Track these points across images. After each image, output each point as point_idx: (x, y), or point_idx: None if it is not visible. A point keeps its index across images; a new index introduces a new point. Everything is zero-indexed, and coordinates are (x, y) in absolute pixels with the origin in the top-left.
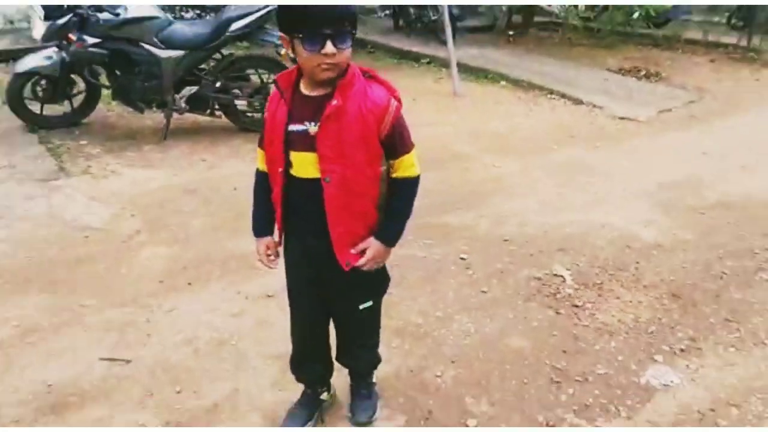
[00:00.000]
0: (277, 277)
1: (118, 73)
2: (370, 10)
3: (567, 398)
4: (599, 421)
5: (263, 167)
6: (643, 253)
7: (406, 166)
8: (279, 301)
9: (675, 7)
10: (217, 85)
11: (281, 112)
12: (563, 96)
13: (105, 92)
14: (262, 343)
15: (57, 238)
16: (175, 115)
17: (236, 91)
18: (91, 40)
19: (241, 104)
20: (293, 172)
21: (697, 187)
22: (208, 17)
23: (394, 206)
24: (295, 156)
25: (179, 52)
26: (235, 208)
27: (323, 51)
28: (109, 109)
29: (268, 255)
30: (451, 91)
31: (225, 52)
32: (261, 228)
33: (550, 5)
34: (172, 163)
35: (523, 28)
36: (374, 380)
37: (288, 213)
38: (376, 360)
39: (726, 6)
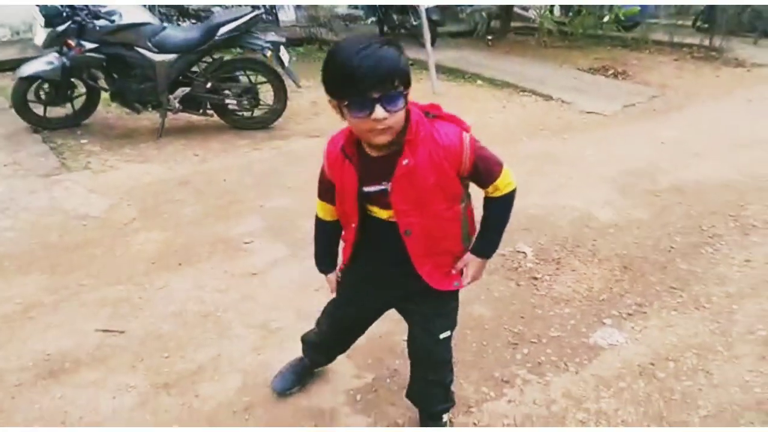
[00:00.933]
0: (261, 256)
1: (115, 76)
2: (356, 17)
3: (522, 357)
4: (549, 376)
5: (325, 216)
6: (599, 231)
7: (502, 187)
8: (262, 278)
9: (643, 8)
10: (208, 86)
11: (350, 176)
12: (534, 93)
13: (104, 95)
14: (244, 314)
15: (57, 226)
16: (169, 114)
17: (226, 91)
18: (89, 46)
19: (231, 104)
20: (372, 212)
21: (654, 173)
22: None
23: (493, 221)
24: (374, 209)
25: (172, 56)
26: (225, 197)
27: (372, 117)
28: (108, 110)
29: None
30: (430, 91)
31: (216, 55)
32: (327, 265)
33: (526, 10)
34: (166, 158)
35: (501, 33)
36: (445, 420)
37: (361, 247)
38: (450, 402)
39: (693, 9)
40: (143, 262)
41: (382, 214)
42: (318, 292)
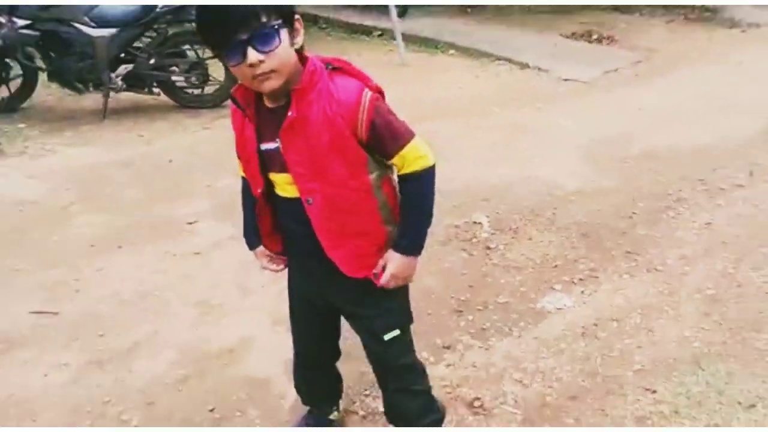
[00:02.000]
0: (205, 236)
1: (52, 54)
2: None
3: (466, 323)
4: (492, 341)
5: (244, 173)
6: (562, 199)
7: (411, 160)
8: (204, 257)
9: None
10: (152, 62)
11: (249, 129)
12: (509, 61)
13: (42, 75)
14: (184, 293)
15: None
16: (113, 94)
17: (173, 67)
18: (21, 23)
19: (178, 80)
20: (278, 191)
21: (627, 140)
22: None
23: (407, 205)
24: (275, 177)
25: (111, 30)
26: (170, 178)
27: (247, 62)
28: (48, 92)
29: (270, 259)
30: (397, 62)
31: (161, 29)
32: (254, 238)
33: None
34: (109, 140)
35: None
36: None
37: (282, 236)
38: (434, 413)
39: None
40: (81, 246)
41: (281, 183)
42: (261, 269)
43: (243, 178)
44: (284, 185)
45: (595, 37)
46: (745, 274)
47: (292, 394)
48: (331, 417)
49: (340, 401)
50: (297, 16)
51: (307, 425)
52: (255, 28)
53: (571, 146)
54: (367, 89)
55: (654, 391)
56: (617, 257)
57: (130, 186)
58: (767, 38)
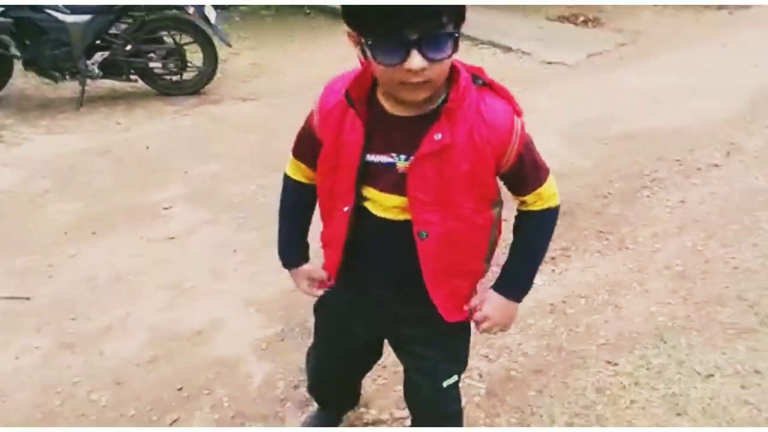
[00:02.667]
0: (180, 221)
1: (27, 42)
2: None
3: None
4: None
5: (298, 176)
6: None
7: (545, 199)
8: (179, 242)
9: None
10: (128, 48)
11: (353, 134)
12: (493, 45)
13: (18, 63)
14: (157, 277)
15: None
16: (90, 82)
17: (150, 54)
18: None
19: (156, 67)
20: (367, 206)
21: (607, 122)
22: None
23: (527, 247)
24: (372, 193)
25: (86, 16)
26: (146, 165)
27: (406, 66)
28: (26, 81)
29: (312, 282)
30: None
31: (137, 15)
32: (295, 255)
33: None
34: (86, 128)
35: None
36: None
37: (350, 257)
38: None
39: None
40: (55, 233)
41: (380, 204)
42: (236, 253)
43: (291, 180)
44: (385, 207)
45: (581, 19)
46: (714, 251)
47: (259, 374)
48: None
49: (356, 405)
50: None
51: (318, 420)
52: (430, 29)
53: (551, 128)
54: (516, 116)
55: (616, 364)
56: (590, 236)
57: (106, 173)
58: (754, 20)
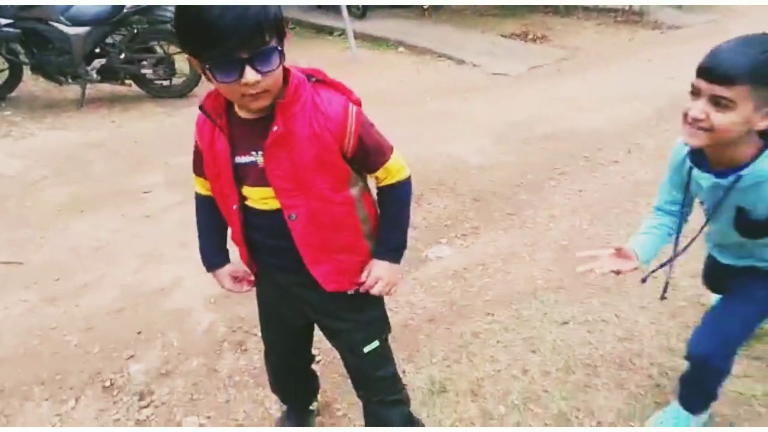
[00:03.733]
0: (157, 203)
1: (34, 50)
2: None
3: None
4: None
5: (203, 191)
6: (465, 172)
7: (393, 173)
8: (154, 219)
9: None
10: (123, 56)
11: (221, 142)
12: (449, 58)
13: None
14: (132, 247)
15: None
16: (90, 85)
17: (143, 62)
18: (4, 21)
19: (148, 73)
20: (250, 204)
21: (535, 124)
22: None
23: (390, 216)
24: (249, 191)
25: (85, 28)
26: (134, 157)
27: (243, 80)
28: (35, 84)
29: (237, 280)
30: (349, 58)
31: (137, 27)
32: (215, 258)
33: None
34: (85, 125)
35: (440, 2)
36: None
37: (253, 250)
38: (413, 425)
39: None
40: (49, 211)
41: (255, 199)
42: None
43: (199, 196)
44: (261, 199)
45: (530, 36)
46: (596, 229)
47: (205, 322)
48: (311, 408)
49: (318, 395)
50: (286, 30)
51: (289, 421)
52: (257, 46)
53: (484, 129)
54: (351, 103)
55: (493, 315)
56: (498, 218)
57: (98, 163)
58: (682, 39)
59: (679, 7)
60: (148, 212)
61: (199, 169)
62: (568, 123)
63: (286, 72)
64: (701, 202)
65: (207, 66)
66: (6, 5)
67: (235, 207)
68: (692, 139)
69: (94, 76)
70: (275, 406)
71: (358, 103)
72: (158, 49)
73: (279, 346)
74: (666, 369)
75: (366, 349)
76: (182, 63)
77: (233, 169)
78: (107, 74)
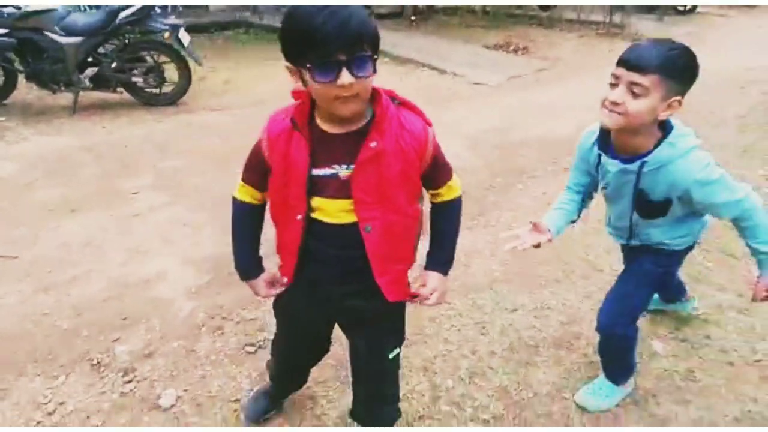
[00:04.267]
0: (144, 203)
1: (29, 59)
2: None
3: None
4: None
5: (245, 198)
6: None
7: (453, 190)
8: (141, 218)
9: None
10: (114, 65)
11: (299, 153)
12: (432, 68)
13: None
14: (119, 243)
15: None
16: (82, 93)
17: (134, 71)
18: (0, 31)
19: (138, 81)
20: (316, 215)
21: (508, 131)
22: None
23: (446, 230)
24: (320, 202)
25: (78, 38)
26: (122, 160)
27: (339, 82)
28: (29, 92)
29: (271, 285)
30: None
31: (128, 38)
32: (252, 268)
33: None
34: (77, 131)
35: (428, 14)
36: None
37: (304, 258)
38: (397, 415)
39: None
40: (41, 210)
41: (327, 211)
42: (185, 226)
43: (241, 203)
44: (332, 211)
45: (512, 47)
46: None
47: (186, 309)
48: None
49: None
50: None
51: (257, 403)
52: (355, 53)
53: (460, 135)
54: (427, 125)
55: (450, 303)
56: (466, 218)
57: (89, 166)
58: None
59: (661, 18)
60: (136, 212)
61: (253, 179)
62: (540, 129)
63: (375, 91)
64: (603, 188)
65: (308, 66)
66: (2, 15)
67: (299, 217)
68: (608, 120)
69: (87, 84)
70: (246, 381)
71: (431, 125)
72: (148, 59)
73: (297, 352)
74: None
75: (391, 355)
76: (171, 72)
77: (308, 180)
78: (99, 82)
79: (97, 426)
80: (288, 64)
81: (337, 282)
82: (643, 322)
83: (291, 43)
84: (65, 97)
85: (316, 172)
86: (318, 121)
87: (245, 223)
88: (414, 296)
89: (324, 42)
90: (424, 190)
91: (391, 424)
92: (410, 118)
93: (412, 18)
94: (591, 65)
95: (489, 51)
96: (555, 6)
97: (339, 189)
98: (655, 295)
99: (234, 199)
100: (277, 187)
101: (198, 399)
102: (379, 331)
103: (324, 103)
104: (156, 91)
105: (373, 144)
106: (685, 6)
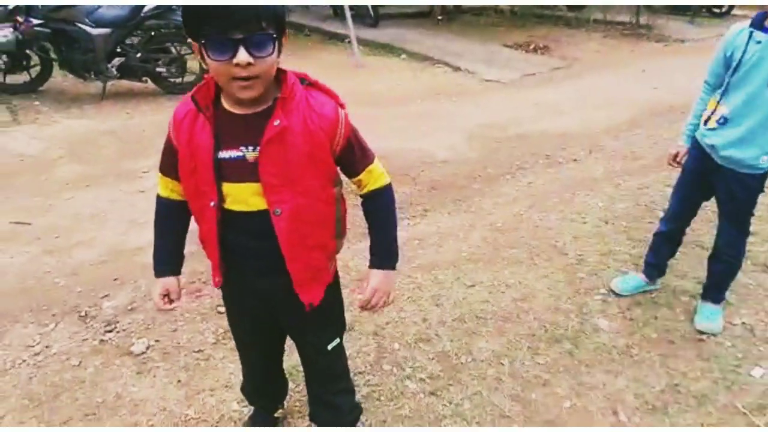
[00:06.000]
0: (152, 180)
1: (63, 48)
2: None
3: None
4: None
5: (166, 194)
6: (431, 165)
7: (377, 176)
8: (147, 194)
9: None
10: (139, 56)
11: (204, 136)
12: (447, 65)
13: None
14: (122, 215)
15: None
16: (115, 82)
17: (158, 61)
18: (36, 22)
19: (162, 71)
20: (228, 205)
21: (508, 126)
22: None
23: (382, 222)
24: (229, 187)
25: (107, 30)
26: (141, 143)
27: (234, 60)
28: (64, 79)
29: (167, 299)
30: (353, 63)
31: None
32: (164, 265)
33: None
34: (102, 116)
35: (454, 14)
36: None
37: (227, 252)
38: (357, 410)
39: None
40: (59, 184)
41: (237, 197)
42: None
43: (161, 199)
44: (245, 197)
45: (531, 47)
46: (530, 215)
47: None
48: (276, 415)
49: (284, 401)
50: (286, 32)
51: (254, 424)
52: (253, 30)
53: (460, 128)
54: (339, 107)
55: (415, 278)
56: (448, 203)
57: (108, 148)
58: (683, 52)
59: (691, 21)
60: (142, 188)
61: (167, 167)
62: (541, 125)
63: (282, 71)
64: (735, 71)
65: (202, 42)
66: (38, 7)
67: (212, 204)
68: None
69: (114, 73)
70: (212, 336)
71: (344, 107)
72: (172, 50)
73: (255, 350)
74: (545, 324)
75: (329, 347)
76: (193, 62)
77: (214, 164)
78: (126, 71)
79: (75, 366)
80: (190, 39)
81: (260, 275)
82: (596, 303)
83: (189, 17)
84: (95, 85)
85: (222, 154)
86: (223, 102)
87: (164, 219)
88: (362, 306)
89: (218, 17)
90: (344, 177)
91: (352, 417)
92: (320, 98)
93: (439, 18)
94: (608, 65)
95: (507, 50)
96: (584, 7)
97: (247, 172)
98: (638, 279)
99: (157, 196)
100: (187, 173)
101: (166, 348)
102: (312, 325)
103: (223, 84)
104: (177, 80)
105: (276, 122)
106: (722, 7)
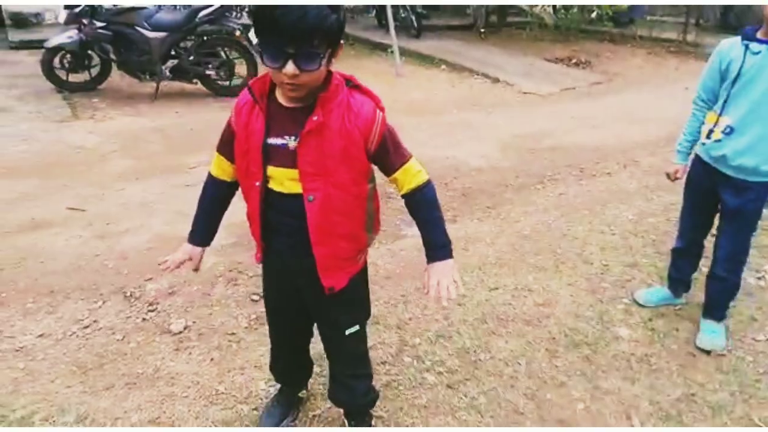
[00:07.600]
0: (199, 176)
1: (121, 50)
2: (362, 10)
3: None
4: None
5: (217, 173)
6: (464, 173)
7: (413, 175)
8: (193, 188)
9: (634, 7)
10: (192, 59)
11: (258, 123)
12: (486, 76)
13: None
14: (169, 206)
15: (58, 152)
16: (166, 83)
17: (208, 64)
18: (99, 24)
19: (211, 74)
20: (271, 185)
21: (543, 137)
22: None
23: (425, 219)
24: (273, 170)
25: (163, 33)
26: (187, 140)
27: (283, 70)
28: (123, 79)
29: (182, 263)
30: (394, 72)
31: (206, 35)
32: (198, 236)
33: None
34: (153, 114)
35: (497, 27)
36: (373, 422)
37: (266, 230)
38: (373, 394)
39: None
40: (112, 176)
41: (279, 180)
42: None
43: (211, 177)
44: (284, 180)
45: (573, 61)
46: (559, 224)
47: (210, 262)
48: (300, 395)
49: (308, 383)
50: (341, 42)
51: (278, 404)
52: (303, 47)
53: (494, 138)
54: (378, 109)
55: None
56: (478, 210)
57: (157, 144)
58: None
59: None
60: (189, 182)
61: (224, 147)
62: (576, 138)
63: (329, 72)
64: (732, 83)
65: (260, 47)
66: (102, 10)
67: (258, 183)
68: None
69: (167, 74)
70: (245, 321)
71: (383, 110)
72: (222, 54)
73: (284, 328)
74: (565, 329)
75: (348, 332)
76: (240, 67)
77: (263, 148)
78: (178, 73)
79: (119, 341)
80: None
81: (292, 254)
82: (618, 312)
83: (256, 23)
84: (149, 85)
85: (270, 141)
86: (277, 94)
87: (210, 193)
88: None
89: (275, 33)
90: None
91: (364, 398)
92: (361, 99)
93: (481, 30)
94: (651, 82)
95: (548, 63)
96: (632, 22)
97: (288, 158)
98: (664, 291)
99: (209, 175)
100: (240, 153)
101: (201, 330)
102: (331, 308)
103: (276, 82)
104: (226, 83)
105: (315, 117)
106: None
